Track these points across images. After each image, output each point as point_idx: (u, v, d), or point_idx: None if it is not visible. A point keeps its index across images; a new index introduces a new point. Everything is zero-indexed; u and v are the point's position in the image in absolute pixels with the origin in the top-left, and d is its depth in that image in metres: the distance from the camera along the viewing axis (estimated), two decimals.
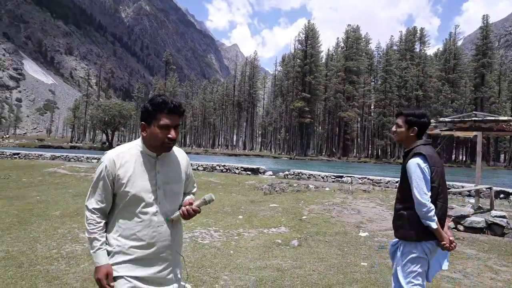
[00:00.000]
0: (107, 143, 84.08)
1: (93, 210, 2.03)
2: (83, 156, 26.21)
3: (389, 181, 16.88)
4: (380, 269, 5.22)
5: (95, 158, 25.67)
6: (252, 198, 11.70)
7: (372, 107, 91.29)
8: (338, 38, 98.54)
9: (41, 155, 26.23)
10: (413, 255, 2.88)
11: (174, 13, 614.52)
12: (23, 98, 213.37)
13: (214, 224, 7.77)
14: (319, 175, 18.74)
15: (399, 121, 3.11)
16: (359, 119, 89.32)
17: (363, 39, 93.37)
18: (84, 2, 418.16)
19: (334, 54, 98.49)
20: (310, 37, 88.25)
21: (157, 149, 2.06)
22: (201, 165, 21.92)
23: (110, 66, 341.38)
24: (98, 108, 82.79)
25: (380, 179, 17.31)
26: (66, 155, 26.18)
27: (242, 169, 20.70)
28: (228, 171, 20.84)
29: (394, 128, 3.17)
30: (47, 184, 13.43)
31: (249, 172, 20.24)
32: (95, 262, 1.96)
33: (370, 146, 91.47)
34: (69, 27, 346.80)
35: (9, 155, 25.82)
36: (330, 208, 10.26)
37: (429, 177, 2.83)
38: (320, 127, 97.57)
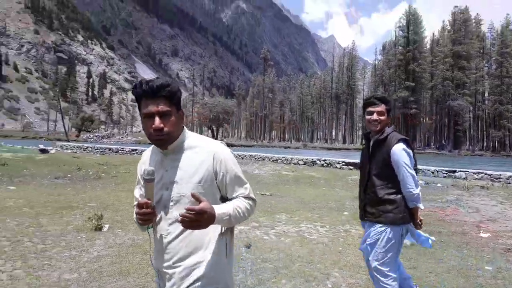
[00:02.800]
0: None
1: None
2: None
3: (510, 176, 15.17)
4: (509, 275, 4.71)
5: None
6: (357, 194, 11.38)
7: (486, 94, 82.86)
8: (443, 21, 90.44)
9: None
10: (395, 240, 3.00)
11: (270, 9, 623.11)
12: None
13: (319, 219, 7.71)
14: (428, 170, 17.54)
15: (382, 109, 2.97)
16: (471, 108, 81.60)
17: (473, 21, 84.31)
18: (186, 5, 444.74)
19: (439, 38, 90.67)
20: (412, 22, 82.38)
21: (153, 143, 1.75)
22: (301, 160, 21.88)
23: (212, 66, 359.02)
24: (204, 106, 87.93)
25: (500, 174, 15.62)
26: None
27: (343, 163, 20.14)
28: (329, 165, 20.46)
29: (375, 117, 2.99)
30: None
31: (351, 167, 19.55)
32: None
33: (485, 137, 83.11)
34: (174, 30, 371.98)
35: (128, 151, 28.51)
36: (443, 205, 9.57)
37: (413, 161, 2.96)
38: (427, 118, 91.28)
